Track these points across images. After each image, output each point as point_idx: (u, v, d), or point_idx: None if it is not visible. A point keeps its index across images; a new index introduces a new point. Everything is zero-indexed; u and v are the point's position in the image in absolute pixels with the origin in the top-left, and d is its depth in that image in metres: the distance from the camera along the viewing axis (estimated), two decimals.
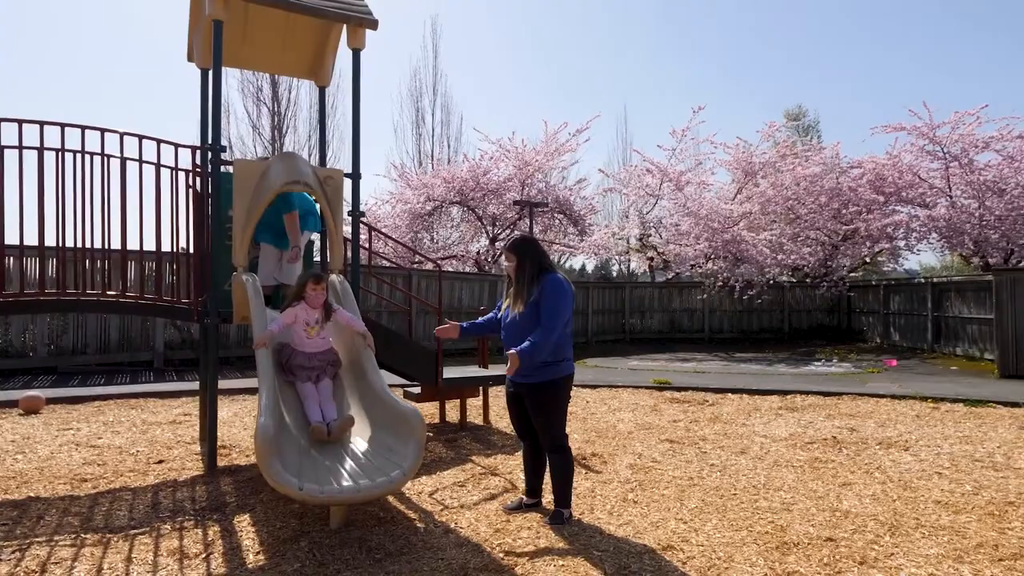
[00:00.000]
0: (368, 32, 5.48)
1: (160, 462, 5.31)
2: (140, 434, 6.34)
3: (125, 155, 5.09)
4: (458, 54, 43.31)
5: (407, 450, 3.75)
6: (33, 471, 4.97)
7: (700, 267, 18.10)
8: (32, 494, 4.42)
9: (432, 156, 28.82)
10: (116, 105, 40.68)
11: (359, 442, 4.16)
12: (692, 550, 3.47)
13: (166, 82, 43.10)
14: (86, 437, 6.17)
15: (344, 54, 5.80)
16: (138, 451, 5.65)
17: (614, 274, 33.37)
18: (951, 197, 16.10)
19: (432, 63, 30.46)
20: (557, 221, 20.85)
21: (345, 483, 3.60)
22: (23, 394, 7.64)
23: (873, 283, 18.27)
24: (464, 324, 4.23)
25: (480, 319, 4.26)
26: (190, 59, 6.05)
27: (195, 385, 8.81)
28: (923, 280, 15.92)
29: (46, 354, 10.82)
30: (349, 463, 3.89)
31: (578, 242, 20.63)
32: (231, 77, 24.01)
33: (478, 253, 20.48)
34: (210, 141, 5.10)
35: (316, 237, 6.41)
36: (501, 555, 3.40)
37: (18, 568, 3.20)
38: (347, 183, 5.58)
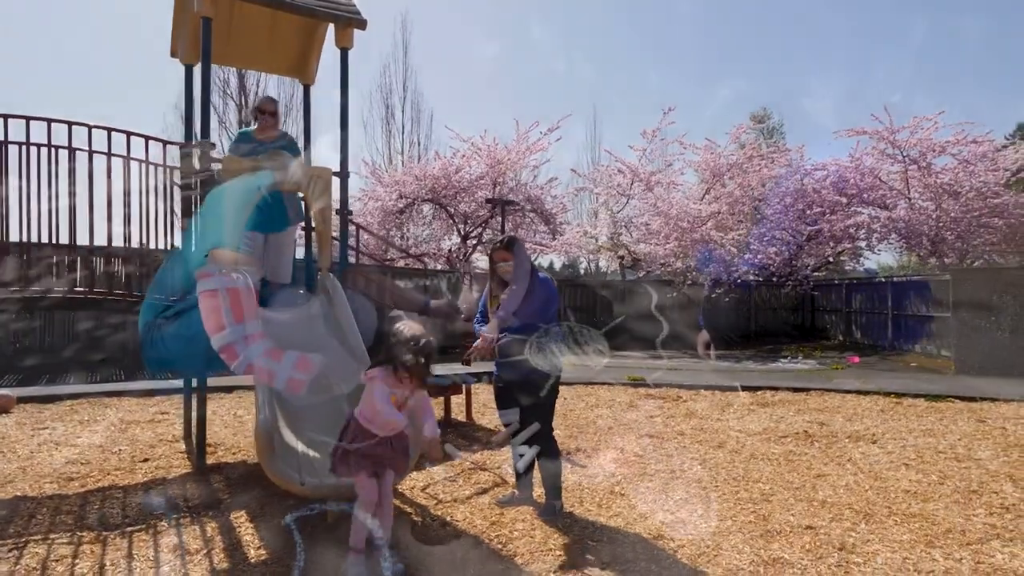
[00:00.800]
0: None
1: (145, 460, 5.27)
2: (119, 433, 6.27)
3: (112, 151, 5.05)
4: (428, 51, 43.24)
5: None
6: (16, 471, 4.90)
7: (670, 266, 18.42)
8: (19, 493, 4.37)
9: (403, 153, 28.77)
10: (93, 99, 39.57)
11: None
12: (681, 539, 3.63)
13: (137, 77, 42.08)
14: (63, 436, 6.08)
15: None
16: (121, 450, 5.60)
17: (582, 272, 33.69)
18: (910, 199, 16.68)
19: (402, 59, 30.40)
20: (528, 219, 20.99)
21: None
22: None
23: (836, 282, 18.85)
24: (487, 334, 3.95)
25: (477, 318, 4.31)
26: (173, 55, 6.00)
27: (169, 383, 8.69)
28: (883, 279, 16.48)
29: (11, 352, 10.57)
30: None
31: (550, 240, 20.81)
32: (197, 70, 23.53)
33: (450, 251, 20.50)
34: (198, 138, 5.08)
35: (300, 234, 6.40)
36: (499, 547, 3.51)
37: (18, 566, 3.20)
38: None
